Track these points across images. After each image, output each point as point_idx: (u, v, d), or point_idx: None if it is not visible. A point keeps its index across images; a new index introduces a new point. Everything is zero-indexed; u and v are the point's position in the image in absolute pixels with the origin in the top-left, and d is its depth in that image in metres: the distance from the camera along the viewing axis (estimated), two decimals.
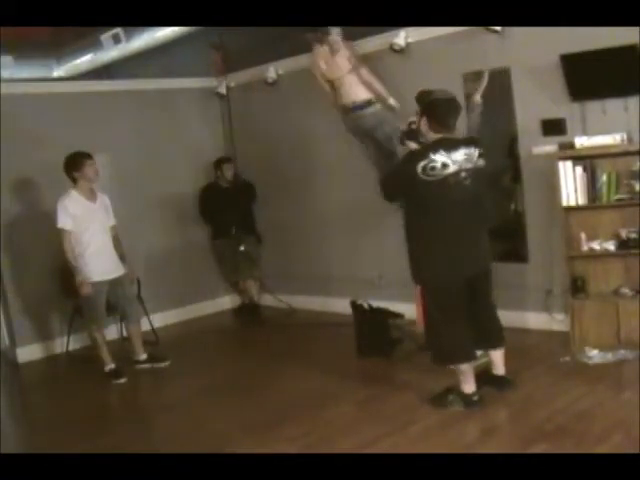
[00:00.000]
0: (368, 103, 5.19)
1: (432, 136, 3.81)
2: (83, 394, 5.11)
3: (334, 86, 5.29)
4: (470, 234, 3.88)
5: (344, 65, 5.22)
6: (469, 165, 3.75)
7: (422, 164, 3.67)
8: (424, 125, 3.83)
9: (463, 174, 3.73)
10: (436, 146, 3.73)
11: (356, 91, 5.19)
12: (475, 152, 3.78)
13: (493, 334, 4.10)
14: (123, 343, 6.04)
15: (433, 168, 3.67)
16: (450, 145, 3.74)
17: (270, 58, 6.60)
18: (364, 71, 5.27)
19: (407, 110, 4.71)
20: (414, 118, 4.02)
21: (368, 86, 5.23)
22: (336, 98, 5.32)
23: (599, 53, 4.39)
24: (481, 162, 3.80)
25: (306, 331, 6.09)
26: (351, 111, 5.22)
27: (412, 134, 4.01)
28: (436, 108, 3.81)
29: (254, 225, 6.95)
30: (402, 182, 3.82)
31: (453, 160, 3.70)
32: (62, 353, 6.07)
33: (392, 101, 5.28)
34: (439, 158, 3.67)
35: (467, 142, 3.82)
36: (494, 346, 4.11)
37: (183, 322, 6.89)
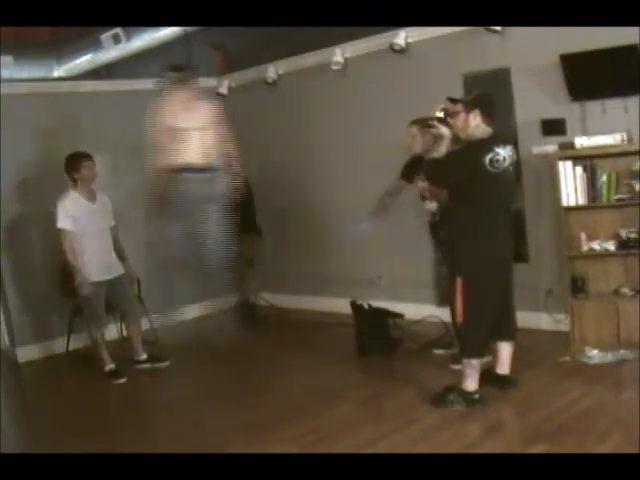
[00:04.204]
0: (211, 168, 4.21)
1: (482, 129, 3.86)
2: (83, 394, 5.11)
3: (177, 137, 4.25)
4: (509, 224, 4.02)
5: (203, 117, 4.22)
6: (512, 160, 3.89)
7: (489, 156, 3.74)
8: (474, 118, 3.86)
9: (510, 168, 3.88)
10: (497, 140, 3.84)
11: (202, 150, 4.17)
12: (513, 149, 3.94)
13: (508, 326, 4.11)
14: (123, 343, 6.04)
15: (497, 161, 3.76)
16: (503, 140, 3.90)
17: (270, 58, 6.60)
18: (222, 129, 4.30)
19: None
20: (443, 105, 4.06)
21: (219, 147, 4.22)
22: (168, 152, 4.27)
23: (599, 53, 4.39)
24: (515, 158, 3.97)
25: (306, 331, 6.09)
26: (180, 172, 4.27)
27: (443, 121, 4.00)
28: (488, 101, 3.94)
29: (252, 221, 6.89)
30: (471, 171, 3.80)
31: (505, 154, 3.81)
32: (62, 353, 6.07)
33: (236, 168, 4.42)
34: (501, 151, 3.78)
35: (508, 138, 4.08)
36: (507, 338, 4.11)
37: (183, 322, 6.88)
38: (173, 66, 4.71)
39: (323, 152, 6.46)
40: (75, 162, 5.14)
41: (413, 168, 4.72)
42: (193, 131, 4.16)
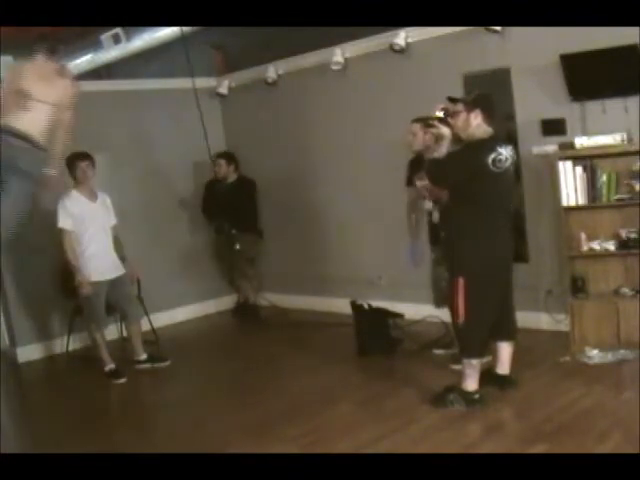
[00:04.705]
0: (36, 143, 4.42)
1: (483, 129, 3.86)
2: (83, 394, 5.11)
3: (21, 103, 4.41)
4: (509, 224, 4.04)
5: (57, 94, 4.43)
6: (513, 160, 3.92)
7: (492, 156, 3.76)
8: (474, 118, 3.86)
9: (511, 168, 3.91)
10: (499, 140, 3.86)
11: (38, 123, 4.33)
12: (513, 149, 3.96)
13: (508, 326, 4.12)
14: (123, 343, 6.04)
15: (500, 160, 3.78)
16: (504, 140, 3.94)
17: (270, 58, 6.60)
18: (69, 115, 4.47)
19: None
20: (443, 105, 4.06)
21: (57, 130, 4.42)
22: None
23: (599, 53, 4.39)
24: (515, 157, 3.98)
25: (306, 331, 6.09)
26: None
27: (444, 121, 4.00)
28: (488, 101, 3.96)
29: (255, 223, 6.90)
30: (472, 170, 3.81)
31: (507, 154, 3.83)
32: (62, 353, 6.07)
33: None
34: (503, 151, 3.80)
35: (509, 138, 4.13)
36: (507, 338, 4.12)
37: (183, 322, 6.89)
38: (43, 35, 4.65)
39: (323, 152, 6.46)
40: (74, 162, 5.14)
41: (414, 169, 4.72)
42: (41, 104, 4.04)
